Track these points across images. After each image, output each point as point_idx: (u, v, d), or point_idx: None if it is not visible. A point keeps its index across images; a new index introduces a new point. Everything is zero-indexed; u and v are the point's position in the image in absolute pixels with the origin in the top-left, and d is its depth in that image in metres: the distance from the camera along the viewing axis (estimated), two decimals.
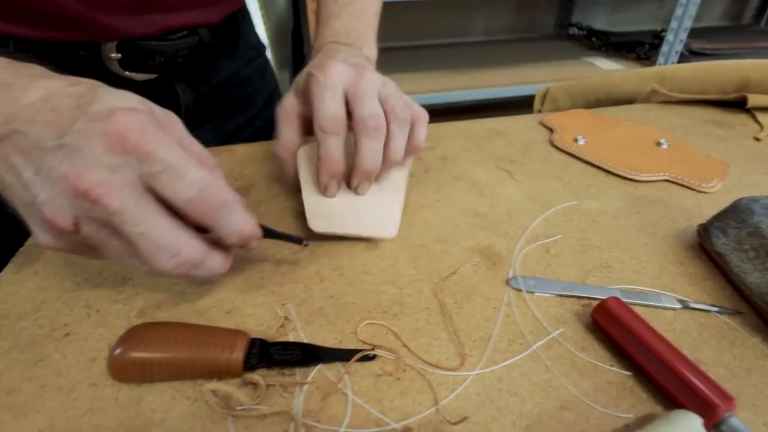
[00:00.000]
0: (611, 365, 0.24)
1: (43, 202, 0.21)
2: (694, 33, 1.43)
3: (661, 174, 0.42)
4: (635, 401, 0.23)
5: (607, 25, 1.78)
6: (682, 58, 1.39)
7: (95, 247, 0.24)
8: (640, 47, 1.52)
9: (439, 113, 0.46)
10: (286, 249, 0.33)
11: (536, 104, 0.75)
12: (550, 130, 0.51)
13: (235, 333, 0.24)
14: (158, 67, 0.44)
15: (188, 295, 0.29)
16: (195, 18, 0.44)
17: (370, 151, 0.32)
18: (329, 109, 0.31)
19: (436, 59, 1.54)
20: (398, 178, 0.35)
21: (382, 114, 0.32)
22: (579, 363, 0.24)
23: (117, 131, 0.21)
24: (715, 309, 0.28)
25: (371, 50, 0.43)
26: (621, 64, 1.46)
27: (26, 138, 0.22)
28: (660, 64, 1.38)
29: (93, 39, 0.40)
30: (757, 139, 0.50)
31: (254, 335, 0.26)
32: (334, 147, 0.31)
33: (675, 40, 1.37)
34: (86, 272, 0.31)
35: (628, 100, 0.64)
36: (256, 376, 0.23)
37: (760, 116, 0.54)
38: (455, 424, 0.21)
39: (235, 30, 0.51)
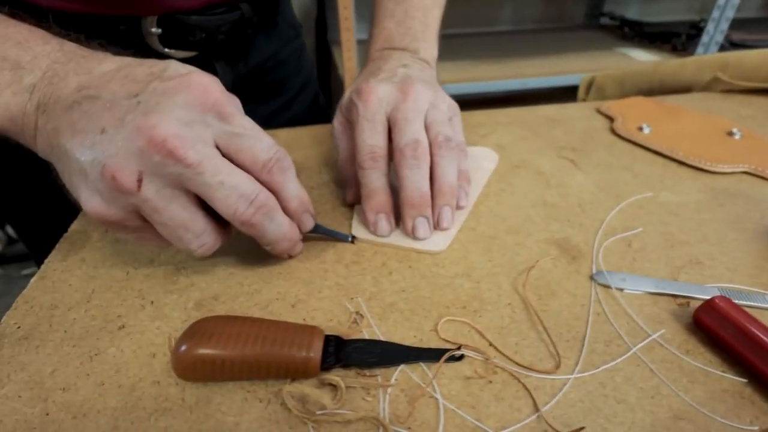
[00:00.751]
0: (723, 371, 0.22)
1: (109, 156, 0.21)
2: (734, 24, 1.37)
3: (740, 165, 0.39)
4: (757, 412, 0.20)
5: (640, 15, 1.72)
6: (722, 50, 1.33)
7: (148, 218, 0.23)
8: (677, 38, 1.46)
9: (468, 104, 0.43)
10: (339, 243, 0.31)
11: (581, 94, 0.71)
12: (610, 119, 0.48)
13: (310, 329, 0.22)
14: (198, 44, 0.42)
15: (247, 286, 0.27)
16: None
17: (412, 182, 0.29)
18: (366, 142, 0.30)
19: (465, 49, 1.50)
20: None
21: (424, 140, 0.29)
22: (686, 368, 0.22)
23: (200, 86, 0.22)
24: None
25: (430, 51, 0.39)
26: (657, 55, 1.41)
27: (97, 100, 0.22)
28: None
29: (133, 12, 0.38)
30: None
31: (326, 332, 0.24)
32: (374, 180, 0.30)
33: (716, 31, 1.32)
34: (136, 261, 0.29)
35: (684, 90, 0.60)
36: (334, 377, 0.21)
37: None
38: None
39: (275, 5, 0.49)
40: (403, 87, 0.31)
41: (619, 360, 0.22)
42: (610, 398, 0.21)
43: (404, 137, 0.29)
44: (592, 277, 0.27)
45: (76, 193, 0.23)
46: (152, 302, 0.26)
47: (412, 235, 0.29)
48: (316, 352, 0.21)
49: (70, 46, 0.25)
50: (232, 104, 0.24)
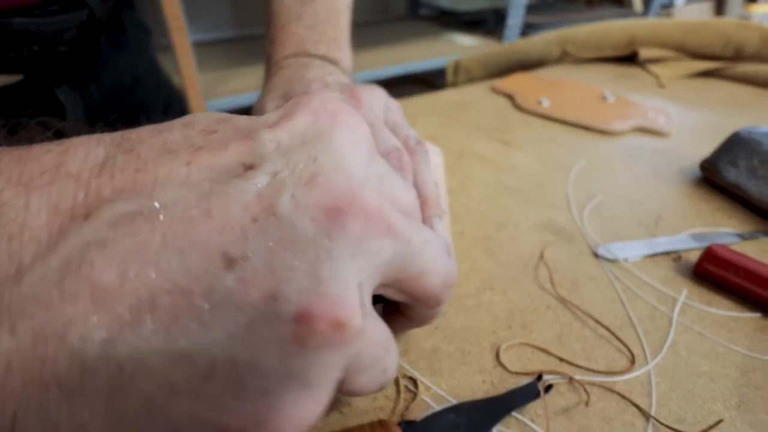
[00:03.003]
0: (740, 312, 0.24)
1: (302, 290, 0.10)
2: (530, 10, 1.63)
3: (628, 121, 0.44)
4: None
5: (452, 5, 1.91)
6: (524, 31, 1.57)
7: (357, 367, 0.12)
8: (485, 24, 1.67)
9: None
10: None
11: (449, 77, 0.74)
12: (508, 96, 0.50)
13: (382, 426, 0.16)
14: (27, 62, 0.28)
15: None
16: None
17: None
18: None
19: None
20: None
21: (403, 149, 0.22)
22: (718, 319, 0.23)
23: (351, 118, 0.13)
24: (761, 234, 0.30)
25: (347, 59, 0.33)
26: (476, 39, 1.58)
27: (161, 214, 0.10)
28: (510, 40, 1.53)
29: None
30: (662, 86, 0.57)
31: (371, 417, 0.18)
32: None
33: (516, 14, 1.54)
34: None
35: (538, 64, 0.67)
36: None
37: (652, 67, 0.62)
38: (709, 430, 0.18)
39: (119, 2, 0.37)
40: (351, 93, 0.24)
41: (671, 334, 0.22)
42: (691, 375, 0.20)
43: (381, 144, 0.23)
44: (596, 254, 0.27)
45: (225, 421, 0.10)
46: None
47: None
48: None
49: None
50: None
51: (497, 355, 0.21)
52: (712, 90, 0.56)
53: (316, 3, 0.33)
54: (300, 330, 0.10)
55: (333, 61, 0.31)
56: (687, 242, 0.28)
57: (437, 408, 0.18)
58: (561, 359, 0.21)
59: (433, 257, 0.14)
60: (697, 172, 0.36)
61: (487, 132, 0.42)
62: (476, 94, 0.51)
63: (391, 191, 0.14)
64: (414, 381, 0.19)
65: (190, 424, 0.10)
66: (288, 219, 0.11)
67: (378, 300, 0.15)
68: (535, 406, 0.18)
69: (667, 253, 0.27)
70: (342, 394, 0.13)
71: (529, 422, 0.18)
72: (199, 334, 0.10)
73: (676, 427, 0.18)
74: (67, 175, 0.10)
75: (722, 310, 0.24)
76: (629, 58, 0.64)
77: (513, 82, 0.53)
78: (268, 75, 0.31)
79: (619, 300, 0.24)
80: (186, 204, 0.10)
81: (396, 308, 0.16)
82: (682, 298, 0.24)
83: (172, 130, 0.12)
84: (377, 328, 0.13)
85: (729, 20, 0.61)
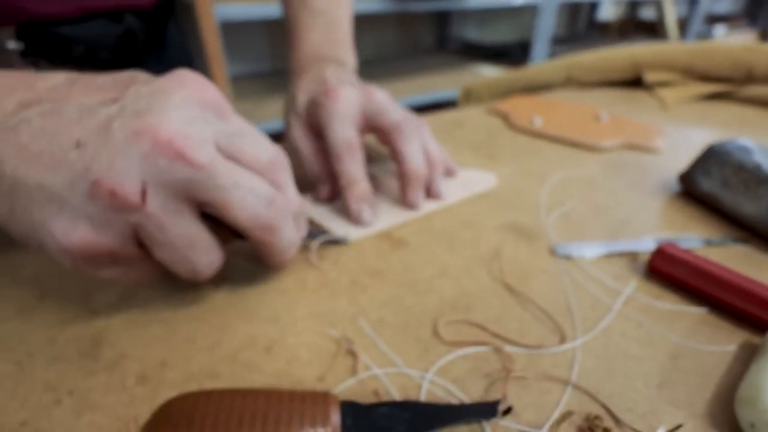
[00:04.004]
0: (687, 306, 0.24)
1: (99, 169, 0.17)
2: (556, 41, 1.66)
3: (617, 139, 0.45)
4: (727, 334, 0.23)
5: (479, 38, 1.97)
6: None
7: (147, 241, 0.19)
8: (510, 56, 1.71)
9: None
10: (295, 265, 0.27)
11: (460, 101, 0.78)
12: (503, 117, 0.52)
13: (322, 397, 0.17)
14: (77, 62, 0.35)
15: (200, 341, 0.22)
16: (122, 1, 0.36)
17: (414, 153, 0.30)
18: (340, 134, 0.30)
19: None
20: None
21: (413, 118, 0.31)
22: (661, 311, 0.24)
23: (196, 82, 0.20)
24: (729, 240, 0.30)
25: (351, 60, 0.41)
26: (501, 70, 1.62)
27: (56, 115, 0.18)
28: None
29: None
30: (665, 108, 0.58)
31: (314, 370, 0.20)
32: (354, 169, 0.30)
33: (540, 47, 1.57)
34: (28, 344, 0.22)
35: (544, 88, 0.70)
36: None
37: (658, 90, 0.63)
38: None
39: (163, 22, 0.44)
40: (363, 89, 0.32)
41: (608, 319, 0.23)
42: (618, 356, 0.21)
43: (393, 116, 0.31)
44: (553, 252, 0.29)
45: (45, 232, 0.18)
46: (70, 392, 0.19)
47: (414, 207, 0.32)
48: (334, 428, 0.16)
49: None
50: (227, 101, 0.21)
51: (435, 328, 0.23)
52: (719, 112, 0.56)
53: (325, 16, 0.41)
54: (93, 189, 0.17)
55: (342, 63, 0.39)
56: (648, 244, 0.29)
57: (377, 371, 0.20)
58: (495, 335, 0.22)
59: (241, 197, 0.19)
60: (678, 185, 0.37)
61: (475, 147, 0.44)
62: (474, 114, 0.54)
63: (238, 146, 0.20)
64: (353, 343, 0.22)
65: (38, 225, 0.18)
66: (114, 131, 0.18)
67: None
68: (464, 369, 0.20)
69: (624, 254, 0.29)
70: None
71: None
72: (51, 178, 0.18)
73: (592, 394, 0.19)
74: (34, 87, 0.19)
75: (668, 304, 0.25)
76: (637, 83, 0.65)
77: (510, 104, 0.55)
78: (294, 78, 0.38)
79: (564, 290, 0.25)
80: (72, 113, 0.18)
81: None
82: (627, 291, 0.25)
83: (108, 77, 0.20)
84: (179, 228, 0.19)
85: (736, 44, 0.61)
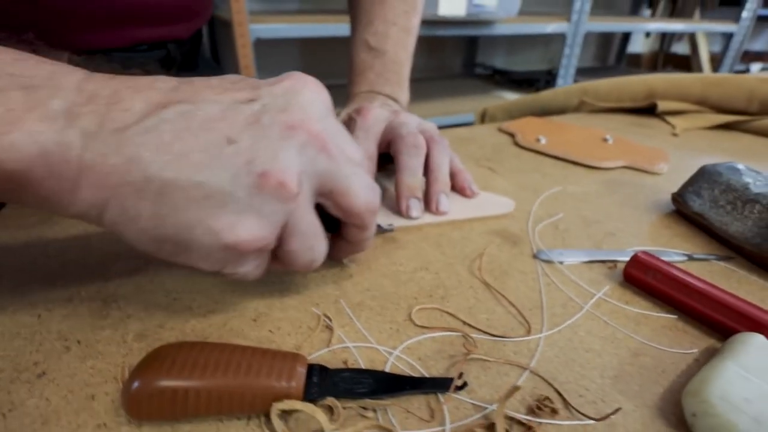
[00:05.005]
0: (657, 312, 0.25)
1: (266, 162, 0.18)
2: (577, 72, 1.68)
3: (619, 161, 0.46)
4: (692, 339, 0.23)
5: (506, 65, 2.01)
6: None
7: (287, 231, 0.20)
8: (537, 83, 1.73)
9: None
10: None
11: (476, 122, 0.80)
12: (511, 135, 0.54)
13: (292, 356, 0.19)
14: None
15: (196, 309, 0.25)
16: (167, 32, 0.41)
17: (409, 164, 0.32)
18: (362, 146, 0.33)
19: None
20: None
21: (422, 137, 0.33)
22: (630, 315, 0.25)
23: (314, 82, 0.21)
24: (713, 257, 0.31)
25: (405, 98, 0.44)
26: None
27: (196, 114, 0.18)
28: None
29: (54, 49, 0.35)
30: (675, 135, 0.58)
31: (293, 339, 0.22)
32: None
33: (566, 75, 1.59)
34: (48, 301, 0.25)
35: (560, 112, 0.71)
36: (328, 402, 0.18)
37: (669, 118, 0.63)
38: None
39: (197, 46, 0.49)
40: (395, 112, 0.36)
41: (577, 317, 0.24)
42: (579, 349, 0.22)
43: (404, 129, 0.33)
44: (535, 256, 0.30)
45: (204, 231, 0.18)
46: (79, 342, 0.22)
47: (408, 216, 0.33)
48: (298, 382, 0.18)
49: (84, 70, 0.20)
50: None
51: (409, 313, 0.24)
52: (728, 141, 0.56)
53: (385, 57, 0.44)
54: (260, 181, 0.18)
55: (394, 99, 0.43)
56: (628, 255, 0.30)
57: (349, 344, 0.22)
58: (464, 323, 0.24)
59: (358, 185, 0.22)
60: (672, 204, 0.38)
61: (478, 161, 0.46)
62: (484, 131, 0.56)
63: (340, 142, 0.21)
64: (330, 319, 0.24)
65: (193, 224, 0.18)
66: (266, 126, 0.19)
67: (328, 228, 0.23)
68: (428, 349, 0.22)
69: (604, 262, 0.30)
70: (279, 265, 0.22)
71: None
72: (209, 174, 0.18)
73: (547, 380, 0.20)
74: (157, 89, 0.19)
75: (637, 309, 0.25)
76: (649, 110, 0.66)
77: (520, 124, 0.57)
78: (348, 104, 0.42)
79: (539, 290, 0.27)
80: (213, 111, 0.19)
81: (339, 236, 0.25)
82: (599, 294, 0.26)
83: (214, 78, 0.21)
84: (311, 216, 0.21)
85: (751, 75, 0.61)
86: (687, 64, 2.32)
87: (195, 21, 0.44)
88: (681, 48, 2.52)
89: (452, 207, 0.34)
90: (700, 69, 2.23)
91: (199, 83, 0.20)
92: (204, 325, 0.23)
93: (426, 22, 1.25)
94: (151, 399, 0.17)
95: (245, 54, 0.99)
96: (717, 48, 2.28)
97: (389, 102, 0.41)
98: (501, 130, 0.56)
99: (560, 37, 1.57)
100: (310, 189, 0.20)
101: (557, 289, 0.27)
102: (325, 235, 0.22)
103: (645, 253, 0.27)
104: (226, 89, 0.20)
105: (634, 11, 2.35)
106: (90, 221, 0.19)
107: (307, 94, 0.21)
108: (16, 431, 0.18)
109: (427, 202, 0.34)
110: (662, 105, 0.64)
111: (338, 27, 1.17)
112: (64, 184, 0.17)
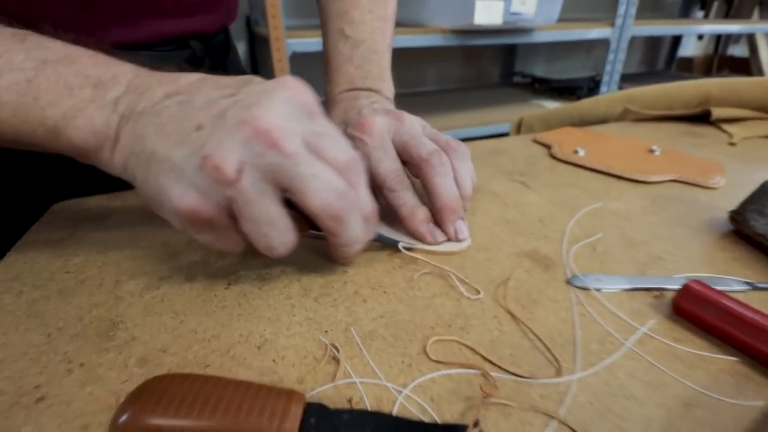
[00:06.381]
0: (714, 353, 0.22)
1: (211, 148, 0.21)
2: (623, 78, 1.59)
3: (668, 175, 0.42)
4: (757, 386, 0.20)
5: (547, 73, 1.94)
6: None
7: (237, 214, 0.22)
8: (580, 90, 1.66)
9: None
10: (309, 270, 0.28)
11: (512, 132, 0.77)
12: (546, 147, 0.51)
13: (287, 394, 0.18)
14: None
15: (201, 333, 0.24)
16: (189, 25, 0.41)
17: (446, 187, 0.30)
18: (390, 168, 0.31)
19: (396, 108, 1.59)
20: None
21: (440, 150, 0.31)
22: (681, 355, 0.22)
23: (296, 85, 0.23)
24: None
25: (389, 90, 0.42)
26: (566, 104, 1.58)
27: (189, 103, 0.23)
28: None
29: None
30: (732, 144, 0.53)
31: (296, 371, 0.21)
32: (410, 198, 0.31)
33: (611, 83, 1.51)
34: (60, 320, 0.24)
35: (601, 122, 0.67)
36: None
37: (726, 126, 0.58)
38: None
39: (225, 48, 0.49)
40: (395, 117, 0.33)
41: (616, 356, 0.21)
42: (619, 396, 0.19)
43: (423, 149, 0.31)
44: (568, 282, 0.27)
45: (165, 195, 0.22)
46: (82, 364, 0.22)
47: (456, 237, 0.31)
48: (292, 423, 0.16)
49: (143, 69, 0.25)
50: (318, 106, 0.25)
51: (424, 345, 0.22)
52: None
53: (362, 47, 0.42)
54: (202, 162, 0.21)
55: (377, 91, 0.40)
56: (678, 282, 0.27)
57: (355, 379, 0.20)
58: (485, 358, 0.21)
59: (318, 186, 0.22)
60: (729, 223, 0.33)
61: (510, 174, 0.43)
62: (517, 143, 0.53)
63: (321, 145, 0.23)
64: (338, 350, 0.22)
65: (161, 189, 0.22)
66: (227, 118, 0.22)
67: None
68: (440, 388, 0.20)
69: (649, 290, 0.26)
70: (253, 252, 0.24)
71: None
72: (176, 152, 0.22)
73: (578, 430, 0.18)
74: (176, 82, 0.24)
75: (690, 348, 0.22)
76: (698, 118, 0.61)
77: (557, 134, 0.54)
78: (329, 108, 0.40)
79: (572, 321, 0.24)
80: (200, 102, 0.23)
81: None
82: (644, 329, 0.23)
83: (228, 78, 0.25)
84: (263, 205, 0.22)
85: None
86: (746, 67, 2.16)
87: (218, 13, 0.44)
88: (738, 50, 2.35)
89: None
90: (760, 72, 2.07)
91: (212, 79, 0.24)
92: (207, 351, 0.22)
93: (462, 32, 1.23)
94: None
95: (281, 68, 1.01)
96: None
97: (373, 97, 0.38)
98: (536, 141, 0.53)
99: (603, 43, 1.50)
100: (259, 180, 0.22)
101: (593, 322, 0.24)
102: (288, 227, 0.23)
103: (698, 282, 0.24)
104: (224, 86, 0.24)
105: (685, 13, 2.23)
106: (126, 179, 0.24)
107: (279, 95, 0.23)
108: None
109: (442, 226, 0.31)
110: (717, 112, 0.59)
111: None
112: (105, 153, 0.24)
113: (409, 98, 1.72)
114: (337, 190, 0.23)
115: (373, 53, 0.41)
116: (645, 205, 0.37)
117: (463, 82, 1.91)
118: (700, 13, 2.23)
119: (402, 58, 1.80)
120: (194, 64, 0.43)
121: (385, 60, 0.43)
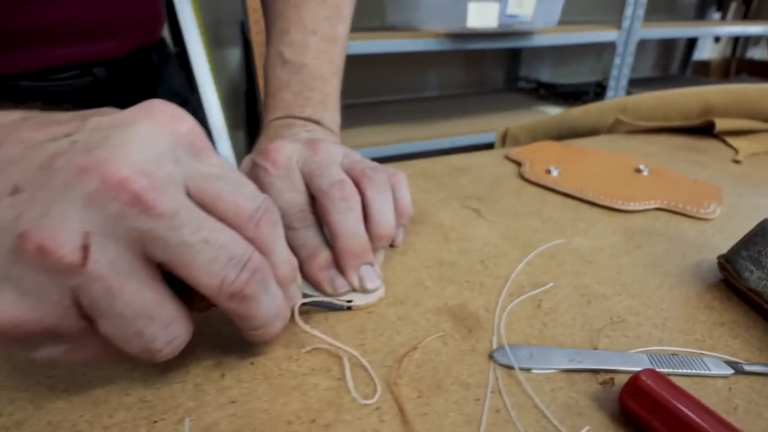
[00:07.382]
0: None
1: (31, 219, 0.14)
2: (631, 83, 1.51)
3: (652, 202, 0.35)
4: None
5: (552, 78, 1.87)
6: None
7: (91, 311, 0.15)
8: (586, 96, 1.58)
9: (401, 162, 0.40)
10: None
11: (497, 144, 0.70)
12: (518, 164, 0.45)
13: None
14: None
15: (6, 416, 0.18)
16: (89, 51, 0.35)
17: (346, 228, 0.24)
18: (291, 202, 0.25)
19: (396, 113, 1.54)
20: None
21: (348, 180, 0.25)
22: None
23: (167, 111, 0.16)
24: None
25: (333, 121, 0.36)
26: None
27: (1, 154, 0.15)
28: None
29: None
30: (737, 162, 0.46)
31: None
32: (311, 237, 0.25)
33: (617, 88, 1.43)
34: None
35: (592, 133, 0.60)
36: None
37: (731, 140, 0.51)
38: None
39: (150, 73, 0.43)
40: (312, 145, 0.27)
41: None
42: None
43: (325, 180, 0.25)
44: (491, 356, 0.21)
45: None
46: None
47: (360, 287, 0.25)
48: None
49: None
50: (205, 138, 0.18)
51: None
52: None
53: (303, 72, 0.36)
54: (18, 244, 0.14)
55: (317, 122, 0.34)
56: (637, 362, 0.20)
57: None
58: None
59: (207, 259, 0.15)
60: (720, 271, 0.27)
61: (465, 199, 0.37)
62: (485, 159, 0.47)
63: (212, 193, 0.16)
64: None
65: None
66: (56, 170, 0.14)
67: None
68: None
69: (595, 372, 0.20)
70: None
71: None
72: None
73: None
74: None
75: None
76: (700, 130, 0.54)
77: (532, 150, 0.48)
78: (259, 136, 0.34)
79: (479, 419, 0.18)
80: (14, 152, 0.15)
81: None
82: None
83: (68, 114, 0.17)
84: (130, 293, 0.15)
85: None
86: (766, 70, 2.05)
87: (128, 37, 0.38)
88: (758, 53, 2.23)
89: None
90: None
91: (38, 117, 0.17)
92: None
93: (456, 35, 1.17)
94: None
95: None
96: None
97: (309, 126, 0.33)
98: (508, 158, 0.47)
99: (611, 46, 1.42)
100: (119, 256, 0.15)
101: (507, 420, 0.18)
102: (176, 316, 0.16)
103: (651, 371, 0.17)
104: (56, 124, 0.16)
105: (701, 15, 2.12)
106: None
107: (141, 127, 0.16)
108: None
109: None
110: (721, 123, 0.51)
111: (370, 44, 1.12)
112: None
113: (410, 104, 1.66)
114: (237, 259, 0.16)
115: (315, 79, 0.36)
116: (617, 242, 0.31)
117: (465, 88, 1.84)
118: (716, 15, 2.12)
119: (401, 62, 1.75)
120: (97, 92, 0.37)
121: (330, 87, 0.37)
